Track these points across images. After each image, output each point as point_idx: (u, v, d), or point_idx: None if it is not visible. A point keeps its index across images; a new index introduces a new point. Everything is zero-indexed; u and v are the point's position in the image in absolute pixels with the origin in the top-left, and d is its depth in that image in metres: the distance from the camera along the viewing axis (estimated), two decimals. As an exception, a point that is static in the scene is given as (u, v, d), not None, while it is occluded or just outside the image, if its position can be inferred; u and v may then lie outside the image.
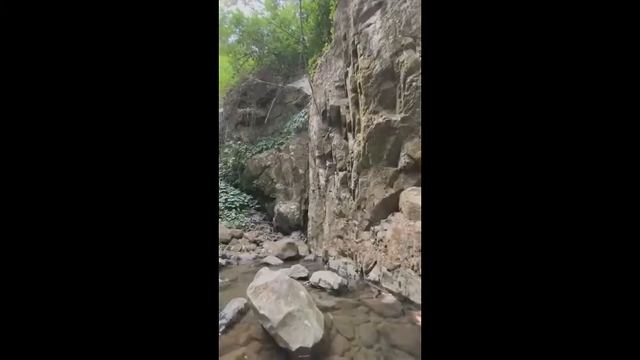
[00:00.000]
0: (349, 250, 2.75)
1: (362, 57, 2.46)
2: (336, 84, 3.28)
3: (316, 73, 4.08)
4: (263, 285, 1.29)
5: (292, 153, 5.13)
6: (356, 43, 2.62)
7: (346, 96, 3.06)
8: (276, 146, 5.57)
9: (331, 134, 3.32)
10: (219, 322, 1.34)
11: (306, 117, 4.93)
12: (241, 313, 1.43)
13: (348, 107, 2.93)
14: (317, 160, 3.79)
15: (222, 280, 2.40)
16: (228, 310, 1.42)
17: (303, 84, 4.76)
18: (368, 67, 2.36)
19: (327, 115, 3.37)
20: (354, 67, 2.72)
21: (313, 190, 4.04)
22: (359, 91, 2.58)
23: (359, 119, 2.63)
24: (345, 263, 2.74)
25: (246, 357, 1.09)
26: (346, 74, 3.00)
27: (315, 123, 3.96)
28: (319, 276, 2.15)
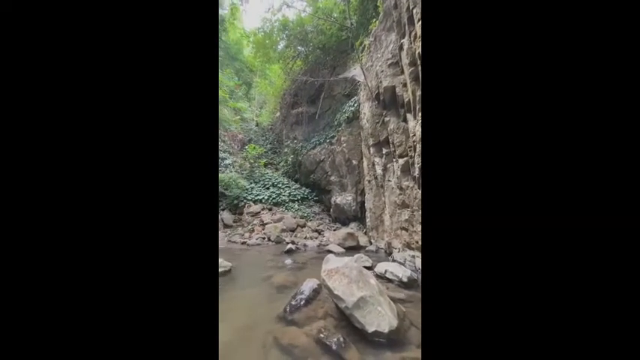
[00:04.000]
0: (416, 243, 2.53)
1: (421, 21, 2.11)
2: (389, 62, 2.97)
3: (365, 56, 3.83)
4: (334, 269, 1.40)
5: (344, 145, 5.12)
6: (411, 7, 2.26)
7: (402, 72, 2.72)
8: (327, 140, 5.72)
9: (386, 118, 3.07)
10: (299, 297, 1.57)
11: (355, 106, 4.76)
12: (316, 291, 1.62)
13: (405, 85, 2.61)
14: (371, 149, 3.62)
15: (294, 262, 2.78)
16: (305, 287, 1.64)
17: (354, 71, 4.58)
18: (430, 31, 1.99)
19: (381, 98, 3.13)
20: (410, 36, 2.37)
21: (369, 181, 3.92)
22: (419, 62, 2.24)
23: (421, 96, 2.30)
24: (413, 256, 2.55)
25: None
26: (401, 47, 2.66)
27: (367, 110, 3.77)
28: (385, 267, 2.11)
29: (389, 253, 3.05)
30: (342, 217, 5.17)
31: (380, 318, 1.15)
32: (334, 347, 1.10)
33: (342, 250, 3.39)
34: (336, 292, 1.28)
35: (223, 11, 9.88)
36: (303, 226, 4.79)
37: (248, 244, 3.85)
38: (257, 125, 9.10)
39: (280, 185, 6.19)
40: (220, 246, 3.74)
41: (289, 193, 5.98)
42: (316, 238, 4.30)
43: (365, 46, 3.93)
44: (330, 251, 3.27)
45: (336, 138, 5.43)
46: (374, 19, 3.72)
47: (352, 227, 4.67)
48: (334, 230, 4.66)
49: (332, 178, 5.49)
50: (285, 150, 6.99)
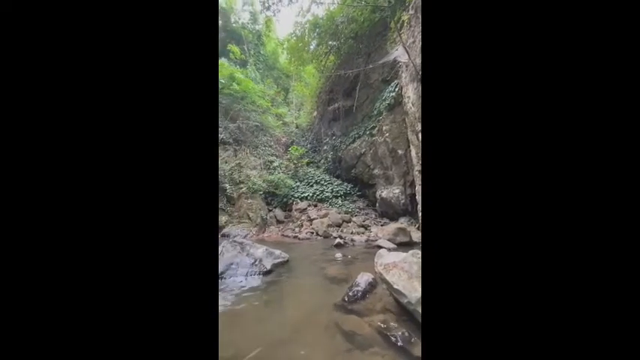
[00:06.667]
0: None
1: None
2: (437, 32, 2.57)
3: (405, 33, 3.46)
4: (392, 263, 1.36)
5: (387, 134, 4.80)
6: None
7: (455, 40, 2.31)
8: (367, 132, 5.49)
9: (437, 98, 2.69)
10: (355, 289, 1.60)
11: (397, 90, 4.37)
12: (371, 285, 1.61)
13: (460, 54, 2.22)
14: (420, 135, 3.26)
15: (344, 256, 2.84)
16: (360, 280, 1.66)
17: (396, 53, 4.22)
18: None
19: (429, 76, 2.76)
20: (464, -6, 1.99)
21: (420, 171, 3.55)
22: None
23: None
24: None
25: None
26: (452, 11, 2.26)
27: (411, 92, 3.42)
28: (448, 264, 1.89)
29: (450, 250, 2.70)
30: (389, 212, 4.89)
31: (450, 318, 1.05)
32: (400, 342, 1.08)
33: (393, 245, 3.22)
34: (396, 287, 1.24)
35: (259, 26, 10.80)
36: (349, 221, 4.80)
37: (299, 238, 4.16)
38: (297, 127, 9.59)
39: (323, 182, 6.37)
40: (276, 240, 4.19)
41: (332, 189, 6.08)
42: (363, 233, 4.23)
43: (403, 22, 3.54)
44: (379, 247, 3.16)
45: (377, 128, 5.15)
46: (413, -12, 3.29)
47: (402, 222, 4.37)
48: (382, 225, 4.47)
49: (375, 171, 5.25)
50: (325, 147, 7.13)
